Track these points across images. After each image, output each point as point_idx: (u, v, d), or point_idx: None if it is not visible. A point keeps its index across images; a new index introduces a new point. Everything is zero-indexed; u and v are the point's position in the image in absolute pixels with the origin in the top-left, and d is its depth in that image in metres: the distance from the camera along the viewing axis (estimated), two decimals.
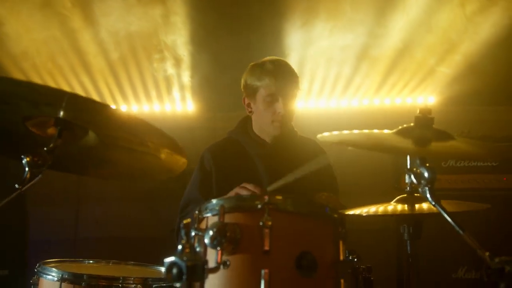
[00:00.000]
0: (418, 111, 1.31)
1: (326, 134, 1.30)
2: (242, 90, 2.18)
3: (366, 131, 1.35)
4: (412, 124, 1.33)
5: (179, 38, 3.59)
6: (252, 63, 2.16)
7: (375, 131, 1.37)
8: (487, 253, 1.04)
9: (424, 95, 3.97)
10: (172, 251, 1.03)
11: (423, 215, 1.50)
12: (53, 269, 1.63)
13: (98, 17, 3.41)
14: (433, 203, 1.20)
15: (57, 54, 3.59)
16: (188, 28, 3.53)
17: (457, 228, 1.12)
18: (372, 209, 1.55)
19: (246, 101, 2.17)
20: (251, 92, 2.10)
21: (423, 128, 1.29)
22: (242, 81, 2.17)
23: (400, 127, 1.35)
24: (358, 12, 3.43)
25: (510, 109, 3.91)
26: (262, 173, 2.08)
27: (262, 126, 2.15)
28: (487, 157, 2.71)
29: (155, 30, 3.55)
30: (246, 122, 2.24)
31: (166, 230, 2.16)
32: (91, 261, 1.90)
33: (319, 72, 3.78)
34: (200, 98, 4.02)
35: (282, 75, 2.04)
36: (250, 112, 2.16)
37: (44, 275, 1.64)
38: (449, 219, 1.14)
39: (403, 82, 3.84)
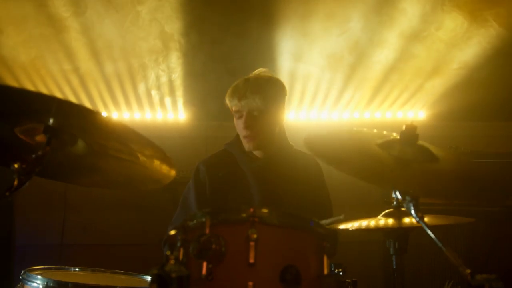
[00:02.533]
0: (404, 127, 1.33)
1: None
2: None
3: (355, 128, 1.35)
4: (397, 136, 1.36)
5: (172, 46, 3.61)
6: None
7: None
8: (468, 270, 1.05)
9: (414, 110, 4.01)
10: (159, 261, 1.03)
11: (409, 230, 1.51)
12: (38, 276, 1.61)
13: (90, 22, 3.41)
14: (417, 219, 1.21)
15: (48, 59, 3.58)
16: (180, 37, 3.54)
17: (440, 245, 1.13)
18: (358, 223, 1.57)
19: None
20: (230, 110, 2.15)
21: (407, 145, 1.31)
22: None
23: (384, 140, 1.37)
24: (350, 25, 3.47)
25: (500, 125, 3.96)
26: (253, 187, 2.09)
27: None
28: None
29: (147, 37, 3.57)
30: None
31: (155, 239, 2.15)
32: (76, 269, 1.88)
33: (310, 83, 3.80)
34: (191, 107, 4.02)
35: (251, 91, 2.04)
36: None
37: (29, 283, 1.62)
38: (432, 235, 1.16)
39: (394, 96, 3.88)
